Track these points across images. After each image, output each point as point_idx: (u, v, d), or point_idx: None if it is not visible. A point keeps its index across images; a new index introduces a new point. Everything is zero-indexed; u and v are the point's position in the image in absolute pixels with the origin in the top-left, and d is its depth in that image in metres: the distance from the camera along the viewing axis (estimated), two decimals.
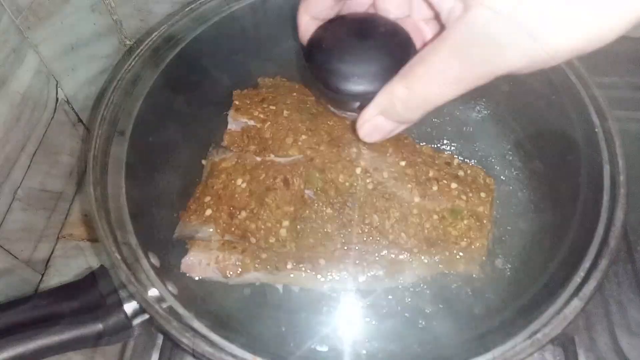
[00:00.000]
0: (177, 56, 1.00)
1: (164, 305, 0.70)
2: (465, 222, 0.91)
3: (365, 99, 0.64)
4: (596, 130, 0.87)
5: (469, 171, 0.97)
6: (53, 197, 1.24)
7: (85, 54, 1.29)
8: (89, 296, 0.71)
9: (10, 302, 0.70)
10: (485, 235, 0.92)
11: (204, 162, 1.02)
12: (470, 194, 0.92)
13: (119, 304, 0.71)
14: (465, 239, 0.91)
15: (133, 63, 0.97)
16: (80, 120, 1.30)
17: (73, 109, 1.27)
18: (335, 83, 0.66)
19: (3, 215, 1.08)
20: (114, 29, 1.41)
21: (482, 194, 0.93)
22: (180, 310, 0.71)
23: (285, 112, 0.98)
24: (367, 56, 0.66)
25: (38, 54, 1.14)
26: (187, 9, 1.04)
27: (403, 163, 0.93)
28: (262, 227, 0.89)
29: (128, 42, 1.46)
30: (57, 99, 1.22)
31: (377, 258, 0.91)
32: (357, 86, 0.65)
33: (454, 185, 0.92)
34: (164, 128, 1.00)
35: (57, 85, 1.21)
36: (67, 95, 1.25)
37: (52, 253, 1.24)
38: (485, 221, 0.92)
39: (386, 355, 0.83)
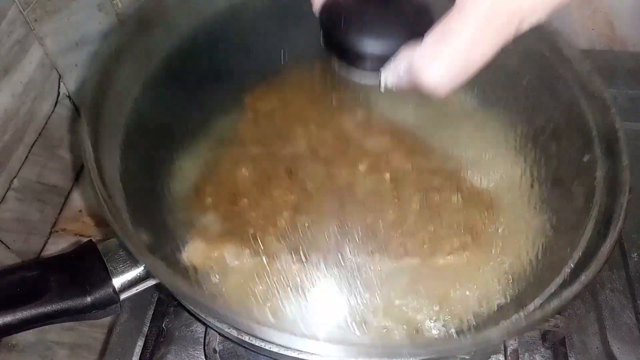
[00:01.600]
0: (182, 45, 1.01)
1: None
2: (461, 238, 0.89)
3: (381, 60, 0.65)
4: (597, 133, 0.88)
5: (476, 185, 0.97)
6: (49, 191, 1.24)
7: (89, 52, 1.31)
8: (77, 269, 0.71)
9: None
10: (480, 256, 0.90)
11: (209, 154, 1.02)
12: (473, 210, 0.91)
13: (108, 278, 0.70)
14: (457, 255, 0.90)
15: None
16: (80, 117, 1.31)
17: (74, 104, 1.29)
18: (351, 42, 0.66)
19: None
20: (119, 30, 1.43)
21: (486, 212, 0.91)
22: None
23: (297, 103, 0.99)
24: (383, 16, 0.67)
25: (43, 47, 1.16)
26: None
27: (408, 167, 0.93)
28: (262, 216, 0.88)
29: None
30: (58, 93, 1.23)
31: (366, 260, 0.91)
32: (373, 45, 0.66)
33: (456, 198, 0.91)
34: (165, 118, 1.01)
35: (59, 79, 1.22)
36: (68, 91, 1.26)
37: (44, 246, 1.23)
38: (481, 241, 0.90)
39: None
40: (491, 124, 1.09)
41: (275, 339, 0.69)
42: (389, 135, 0.96)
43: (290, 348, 0.70)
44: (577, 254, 0.77)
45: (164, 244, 0.89)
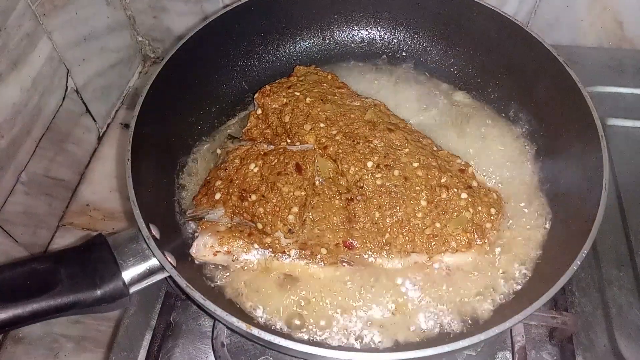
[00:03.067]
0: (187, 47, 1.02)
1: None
2: (468, 235, 0.90)
3: None
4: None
5: (485, 184, 0.97)
6: (56, 184, 1.24)
7: (97, 46, 1.32)
8: (87, 262, 0.71)
9: (7, 265, 0.70)
10: (483, 252, 0.91)
11: (219, 151, 1.03)
12: (480, 208, 0.91)
13: (117, 272, 0.71)
14: (462, 252, 0.90)
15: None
16: (88, 111, 1.32)
17: (82, 99, 1.29)
18: None
19: (5, 197, 1.08)
20: (126, 24, 1.44)
21: (492, 210, 0.92)
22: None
23: (308, 99, 1.00)
24: None
25: (51, 41, 1.16)
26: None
27: (416, 164, 0.93)
28: (271, 211, 0.89)
29: (140, 39, 1.49)
30: (66, 88, 1.23)
31: (371, 256, 0.91)
32: None
33: (464, 195, 0.91)
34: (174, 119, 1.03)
35: (67, 73, 1.23)
36: (76, 85, 1.26)
37: (51, 240, 1.24)
38: (488, 239, 0.91)
39: None
40: (498, 123, 1.11)
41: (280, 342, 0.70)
42: (397, 133, 0.96)
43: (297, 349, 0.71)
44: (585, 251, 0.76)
45: (174, 239, 0.90)
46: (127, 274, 0.72)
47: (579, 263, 0.75)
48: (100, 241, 0.74)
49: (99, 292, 0.69)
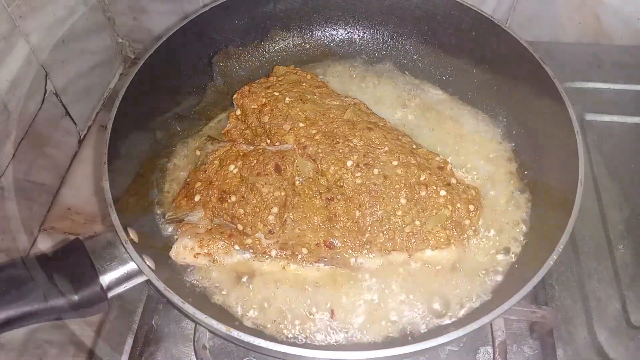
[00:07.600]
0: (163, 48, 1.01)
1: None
2: (447, 232, 0.90)
3: None
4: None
5: (464, 181, 0.97)
6: (37, 189, 1.23)
7: (77, 48, 1.31)
8: (65, 267, 0.71)
9: None
10: (463, 249, 0.92)
11: (198, 152, 1.03)
12: (459, 205, 0.92)
13: (95, 276, 0.70)
14: (441, 248, 0.91)
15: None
16: (68, 114, 1.31)
17: (61, 101, 1.28)
18: None
19: None
20: (106, 26, 1.42)
21: (471, 207, 0.93)
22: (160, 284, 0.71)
23: (287, 99, 1.00)
24: None
25: (29, 44, 1.14)
26: None
27: (395, 163, 0.93)
28: (251, 212, 0.89)
29: (120, 40, 1.48)
30: (45, 91, 1.22)
31: (352, 255, 0.91)
32: None
33: (443, 192, 0.92)
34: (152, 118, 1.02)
35: (46, 76, 1.21)
36: (56, 88, 1.25)
37: (32, 245, 1.23)
38: (467, 234, 0.92)
39: None
40: (476, 120, 1.11)
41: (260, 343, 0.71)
42: (376, 132, 0.96)
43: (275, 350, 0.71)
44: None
45: (153, 242, 0.89)
46: (105, 279, 0.72)
47: (555, 257, 0.76)
48: (77, 246, 0.74)
49: (76, 297, 0.69)
